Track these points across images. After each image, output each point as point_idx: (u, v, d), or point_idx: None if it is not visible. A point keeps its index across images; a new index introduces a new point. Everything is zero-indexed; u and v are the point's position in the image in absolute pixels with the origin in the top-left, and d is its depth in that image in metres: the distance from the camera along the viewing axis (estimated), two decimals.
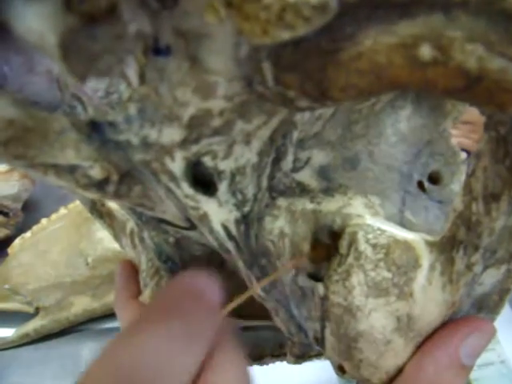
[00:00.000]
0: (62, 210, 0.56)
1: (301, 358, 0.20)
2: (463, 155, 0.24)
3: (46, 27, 0.10)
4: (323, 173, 0.19)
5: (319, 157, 0.19)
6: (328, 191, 0.19)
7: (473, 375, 0.52)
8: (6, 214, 0.58)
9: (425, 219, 0.22)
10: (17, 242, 0.55)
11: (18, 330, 0.52)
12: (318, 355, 0.20)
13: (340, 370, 0.20)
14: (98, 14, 0.10)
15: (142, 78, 0.11)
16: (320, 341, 0.19)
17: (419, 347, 0.18)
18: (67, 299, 0.53)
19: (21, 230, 0.57)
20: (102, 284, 0.53)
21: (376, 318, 0.18)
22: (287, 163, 0.17)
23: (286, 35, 0.10)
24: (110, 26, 0.11)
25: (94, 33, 0.11)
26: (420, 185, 0.23)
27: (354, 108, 0.20)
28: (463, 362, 0.18)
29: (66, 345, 0.53)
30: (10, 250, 0.54)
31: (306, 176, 0.19)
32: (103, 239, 0.51)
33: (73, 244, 0.54)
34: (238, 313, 0.24)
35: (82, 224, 0.54)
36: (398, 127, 0.22)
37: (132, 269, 0.27)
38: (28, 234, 0.55)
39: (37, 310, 0.53)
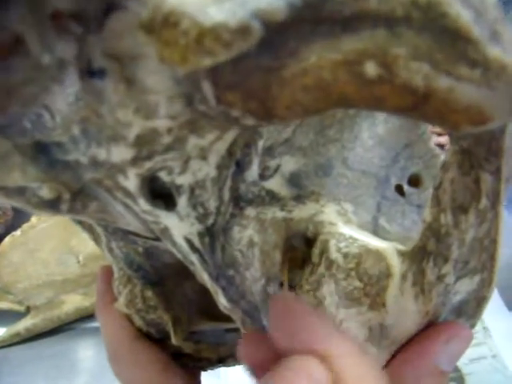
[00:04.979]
0: None
1: None
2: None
3: None
4: (294, 180, 0.19)
5: (290, 164, 0.18)
6: (299, 199, 0.19)
7: (465, 370, 0.52)
8: None
9: (401, 225, 0.21)
10: (7, 240, 0.54)
11: (9, 330, 0.52)
12: None
13: None
14: (3, 50, 0.10)
15: (73, 103, 0.11)
16: None
17: (397, 354, 0.18)
18: (58, 298, 0.53)
19: (11, 228, 0.57)
20: (93, 282, 0.53)
21: (347, 328, 0.18)
22: (252, 173, 0.16)
23: (206, 62, 0.09)
24: (25, 57, 0.10)
25: (9, 65, 0.10)
26: (399, 189, 0.23)
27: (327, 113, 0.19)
28: (442, 368, 0.18)
29: (58, 343, 0.53)
30: None
31: (275, 184, 0.18)
32: None
33: (63, 242, 0.54)
34: (217, 316, 0.24)
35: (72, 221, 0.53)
36: (375, 130, 0.22)
37: (112, 274, 0.27)
38: (18, 233, 0.55)
39: (28, 309, 0.53)
